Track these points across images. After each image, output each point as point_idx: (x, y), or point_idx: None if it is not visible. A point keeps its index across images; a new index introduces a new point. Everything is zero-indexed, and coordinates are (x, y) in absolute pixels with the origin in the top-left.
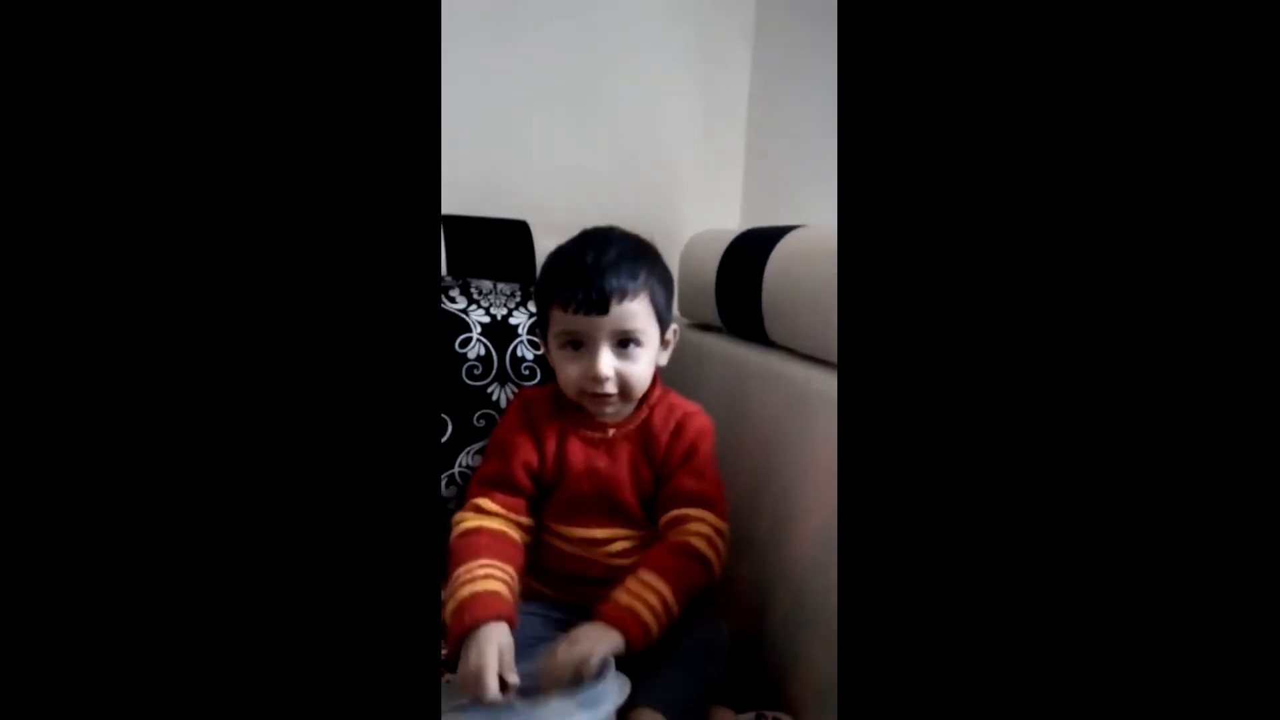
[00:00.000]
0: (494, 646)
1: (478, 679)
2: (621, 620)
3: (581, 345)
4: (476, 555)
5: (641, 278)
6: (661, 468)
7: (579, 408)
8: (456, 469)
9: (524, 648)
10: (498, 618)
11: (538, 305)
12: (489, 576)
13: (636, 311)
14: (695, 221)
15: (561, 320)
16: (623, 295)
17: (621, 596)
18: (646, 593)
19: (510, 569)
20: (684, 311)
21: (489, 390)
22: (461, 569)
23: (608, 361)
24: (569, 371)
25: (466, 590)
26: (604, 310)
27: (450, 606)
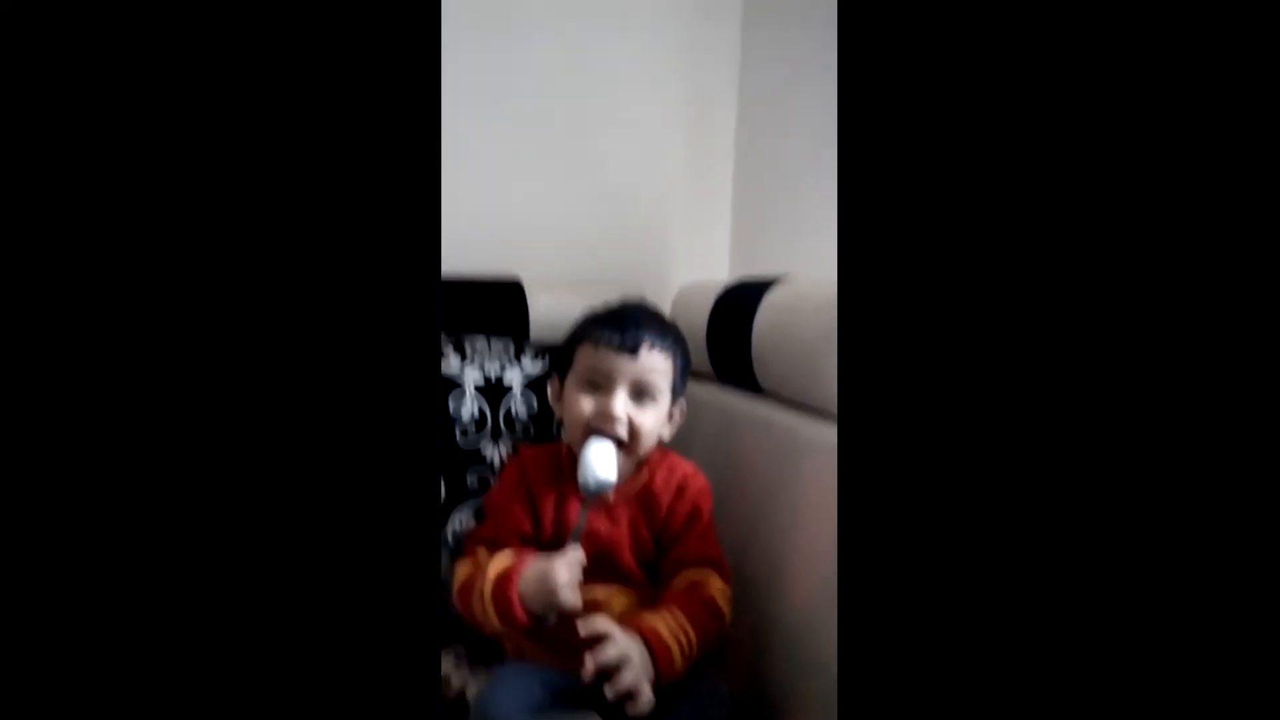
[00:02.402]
0: (544, 570)
1: (554, 586)
2: (662, 655)
3: (601, 387)
4: (488, 567)
5: (670, 339)
6: (663, 529)
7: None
8: (449, 530)
9: (524, 713)
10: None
11: (566, 348)
12: (504, 557)
13: (659, 366)
14: (685, 273)
15: (589, 357)
16: (652, 345)
17: (664, 630)
18: (683, 636)
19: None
20: None
21: (482, 449)
22: (481, 576)
23: (623, 402)
24: (583, 406)
25: (492, 570)
26: (634, 351)
27: (486, 592)
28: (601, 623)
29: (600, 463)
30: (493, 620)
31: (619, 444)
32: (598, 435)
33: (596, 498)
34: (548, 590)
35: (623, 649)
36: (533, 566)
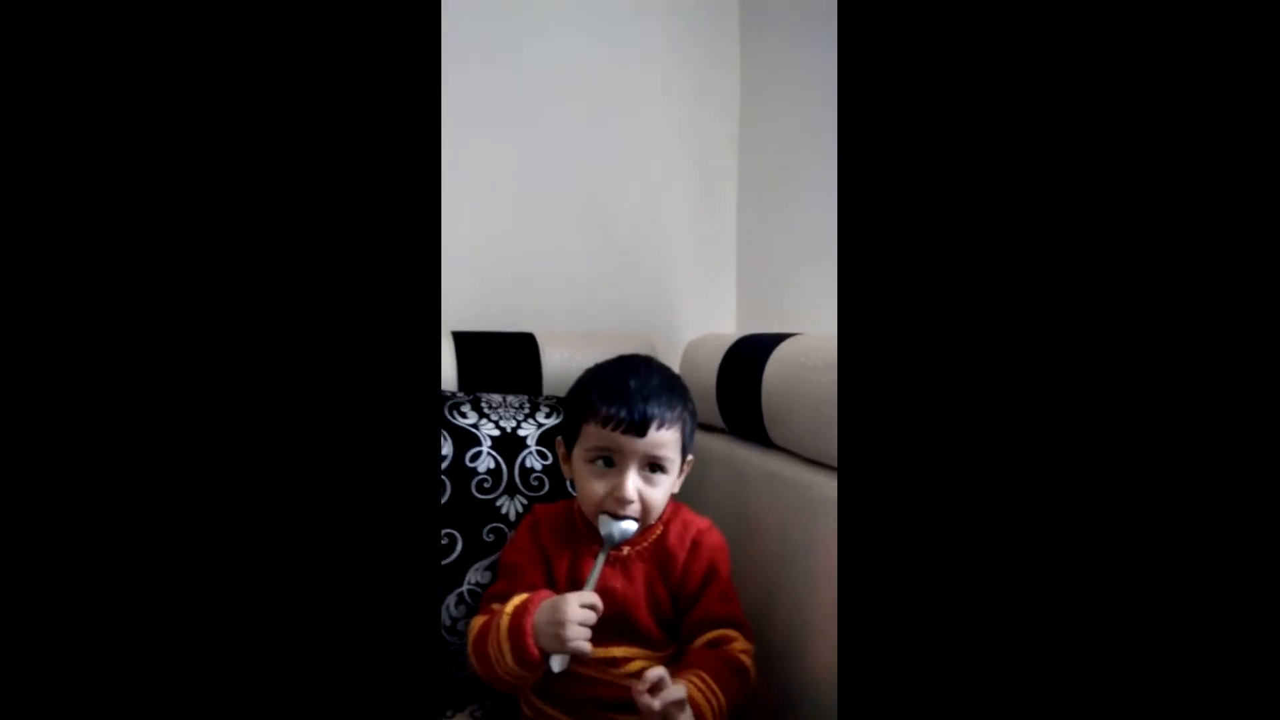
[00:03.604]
0: (556, 602)
1: (565, 621)
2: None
3: (611, 464)
4: (502, 609)
5: (678, 410)
6: (680, 588)
7: (592, 527)
8: (465, 587)
9: None
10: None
11: (570, 416)
12: (516, 598)
13: (668, 440)
14: (693, 325)
15: (597, 436)
16: (660, 423)
17: (693, 690)
18: (712, 697)
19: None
20: None
21: (498, 503)
22: (495, 619)
23: (634, 483)
24: (595, 487)
25: (507, 608)
26: (642, 433)
27: (502, 627)
28: (657, 670)
29: (623, 523)
30: (507, 659)
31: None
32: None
33: (616, 545)
34: (558, 622)
35: (684, 693)
36: (548, 600)
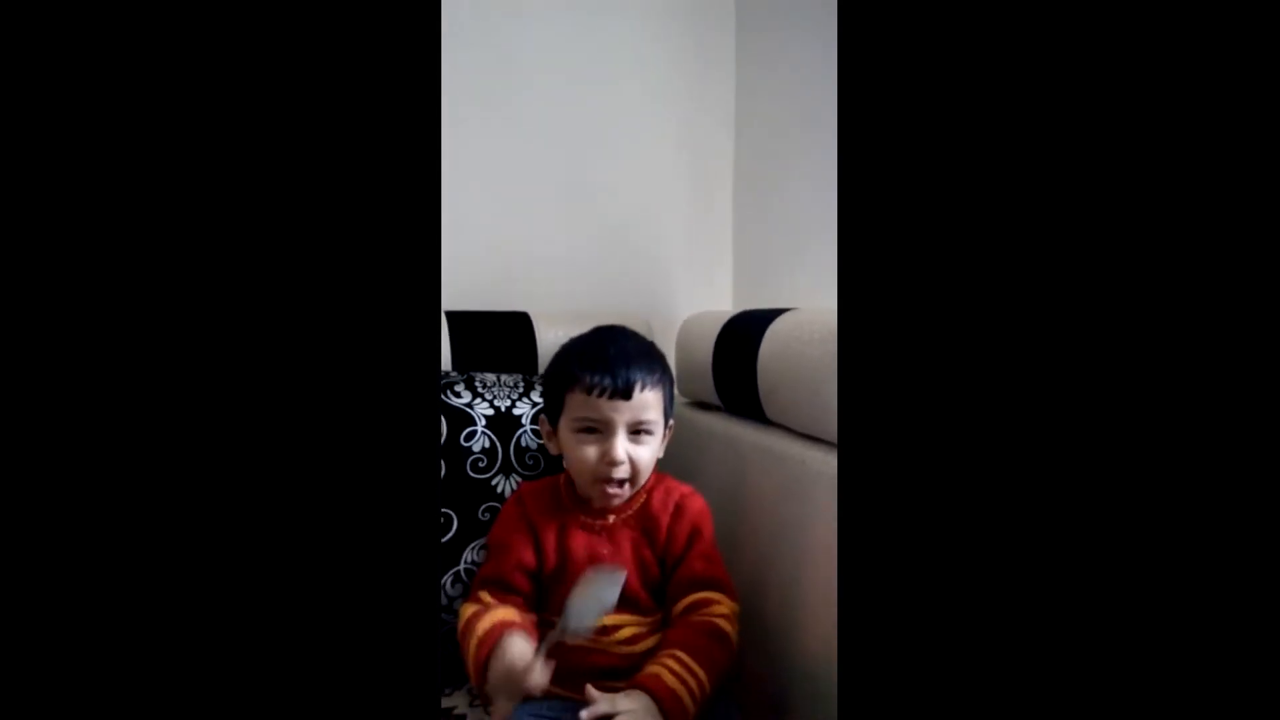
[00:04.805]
0: (518, 648)
1: (509, 675)
2: (669, 702)
3: (598, 431)
4: (483, 616)
5: (657, 373)
6: (665, 551)
7: (578, 498)
8: (462, 565)
9: None
10: (515, 630)
11: (551, 391)
12: (498, 613)
13: (652, 402)
14: (689, 304)
15: (582, 405)
16: (643, 385)
17: (667, 676)
18: (689, 677)
19: (520, 614)
20: (683, 390)
21: (494, 483)
22: (474, 625)
23: (623, 446)
24: (587, 454)
25: (481, 626)
26: (628, 396)
27: (470, 648)
28: (602, 705)
29: (606, 595)
30: (471, 676)
31: (620, 484)
32: (606, 572)
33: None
34: (497, 681)
35: None
36: (502, 649)
